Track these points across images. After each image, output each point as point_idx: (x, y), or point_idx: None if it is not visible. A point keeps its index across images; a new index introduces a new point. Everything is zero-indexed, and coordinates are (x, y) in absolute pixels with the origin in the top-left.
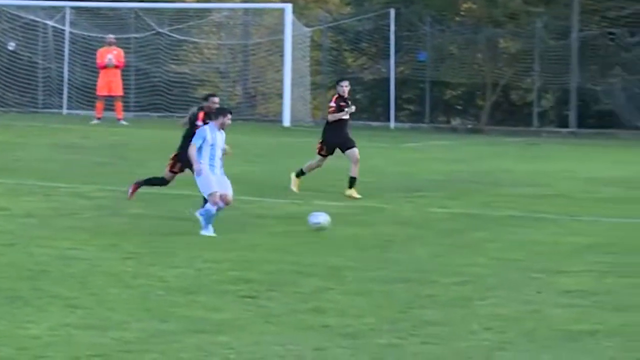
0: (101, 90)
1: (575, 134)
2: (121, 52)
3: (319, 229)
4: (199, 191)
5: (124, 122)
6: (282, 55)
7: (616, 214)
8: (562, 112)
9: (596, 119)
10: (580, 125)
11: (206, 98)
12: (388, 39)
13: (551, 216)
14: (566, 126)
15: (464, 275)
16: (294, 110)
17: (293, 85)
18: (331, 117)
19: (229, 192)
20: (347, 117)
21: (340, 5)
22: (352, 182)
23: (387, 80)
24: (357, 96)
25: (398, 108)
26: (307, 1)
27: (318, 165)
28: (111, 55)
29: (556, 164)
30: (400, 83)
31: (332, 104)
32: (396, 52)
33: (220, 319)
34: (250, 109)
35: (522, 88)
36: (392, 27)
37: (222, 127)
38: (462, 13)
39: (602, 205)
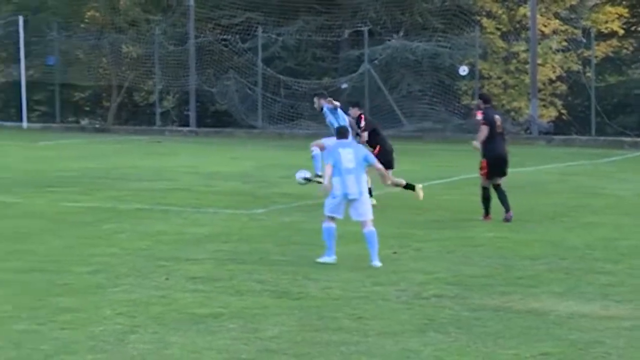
0: None
1: (196, 133)
2: None
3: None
4: None
5: None
6: None
7: (233, 205)
8: (183, 112)
9: (214, 118)
10: (200, 124)
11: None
12: (18, 44)
13: (175, 208)
14: (187, 125)
15: (96, 265)
16: None
17: None
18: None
19: None
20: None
21: None
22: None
23: (18, 83)
24: None
25: (30, 109)
26: None
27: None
28: None
29: (179, 160)
30: (31, 85)
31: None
32: (26, 56)
33: None
34: None
35: (144, 90)
36: (21, 33)
37: None
38: (87, 20)
39: (221, 198)
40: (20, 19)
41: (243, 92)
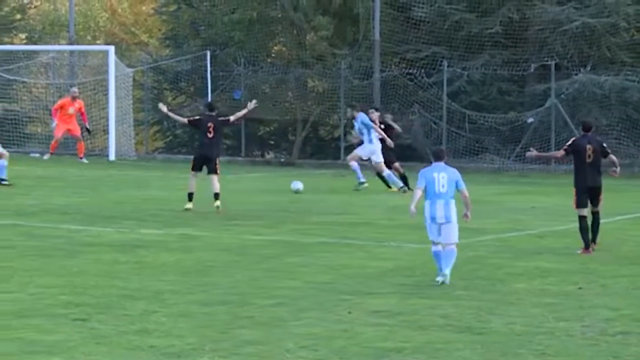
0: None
1: None
2: (82, 103)
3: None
4: None
5: (85, 161)
6: (106, 94)
7: (417, 239)
8: None
9: (396, 152)
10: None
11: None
12: (205, 78)
13: (358, 242)
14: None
15: (279, 298)
16: (119, 145)
17: (117, 122)
18: None
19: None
20: None
21: (160, 48)
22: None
23: None
24: (177, 132)
25: None
26: (128, 43)
27: None
28: (72, 108)
29: (361, 194)
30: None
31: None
32: (213, 90)
33: (53, 340)
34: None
35: (329, 124)
36: (209, 68)
37: None
38: (273, 55)
39: (404, 231)
40: (208, 54)
41: (428, 127)
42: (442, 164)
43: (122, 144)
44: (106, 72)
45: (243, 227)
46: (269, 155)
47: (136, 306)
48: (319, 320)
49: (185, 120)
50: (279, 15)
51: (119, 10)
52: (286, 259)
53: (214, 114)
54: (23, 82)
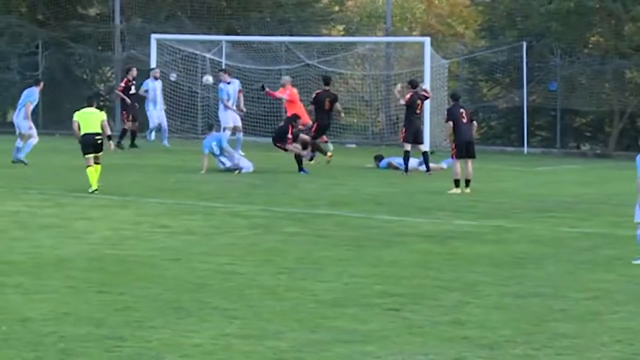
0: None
1: None
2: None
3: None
4: None
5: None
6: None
7: None
8: None
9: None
10: None
11: None
12: (521, 69)
13: None
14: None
15: (594, 291)
16: (433, 135)
17: (432, 112)
18: None
19: None
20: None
21: (475, 39)
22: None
23: (520, 108)
24: (492, 123)
25: (530, 134)
26: (444, 35)
27: None
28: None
29: None
30: (533, 111)
31: None
32: (528, 82)
33: (367, 329)
34: (393, 135)
35: None
36: (525, 59)
37: None
38: (590, 45)
39: None
40: (524, 45)
41: None
42: None
43: (437, 135)
44: (422, 63)
45: (557, 219)
46: (585, 147)
47: (449, 297)
48: (636, 315)
49: (449, 122)
50: (597, 6)
51: (435, 1)
52: (601, 252)
53: (459, 102)
54: (340, 73)
